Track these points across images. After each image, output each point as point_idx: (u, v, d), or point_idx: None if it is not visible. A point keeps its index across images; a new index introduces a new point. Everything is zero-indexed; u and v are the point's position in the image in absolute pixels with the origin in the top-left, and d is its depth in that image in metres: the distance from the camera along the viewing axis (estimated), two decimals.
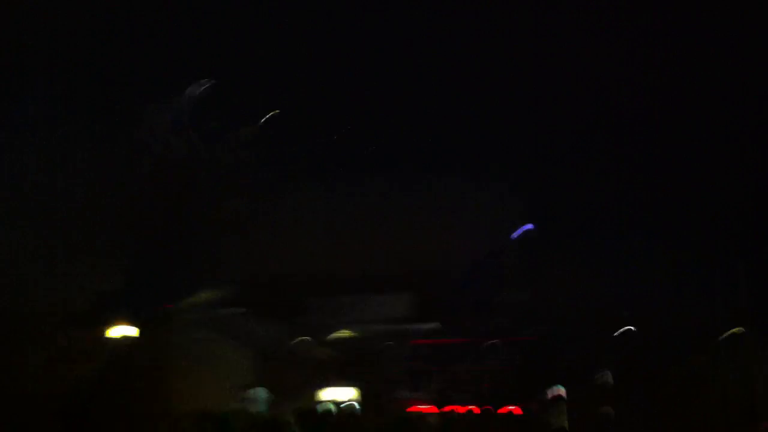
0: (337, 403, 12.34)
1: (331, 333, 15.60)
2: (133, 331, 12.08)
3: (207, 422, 8.03)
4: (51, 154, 9.60)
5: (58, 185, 9.88)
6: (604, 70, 10.46)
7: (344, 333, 15.64)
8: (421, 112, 10.80)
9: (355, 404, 12.10)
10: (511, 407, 11.09)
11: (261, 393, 10.09)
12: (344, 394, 14.79)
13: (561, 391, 12.63)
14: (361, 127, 11.34)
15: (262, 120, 10.29)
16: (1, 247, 9.58)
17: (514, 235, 12.56)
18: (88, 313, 11.22)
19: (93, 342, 11.28)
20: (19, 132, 9.17)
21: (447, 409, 10.49)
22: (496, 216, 12.23)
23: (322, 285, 12.76)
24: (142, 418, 10.02)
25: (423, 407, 12.40)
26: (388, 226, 12.14)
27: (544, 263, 12.53)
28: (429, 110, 10.81)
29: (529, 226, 12.71)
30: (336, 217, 12.19)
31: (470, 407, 11.74)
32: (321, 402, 13.69)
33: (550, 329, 14.29)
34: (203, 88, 10.06)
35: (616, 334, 13.37)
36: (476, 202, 12.06)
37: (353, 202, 12.08)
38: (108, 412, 9.61)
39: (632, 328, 13.36)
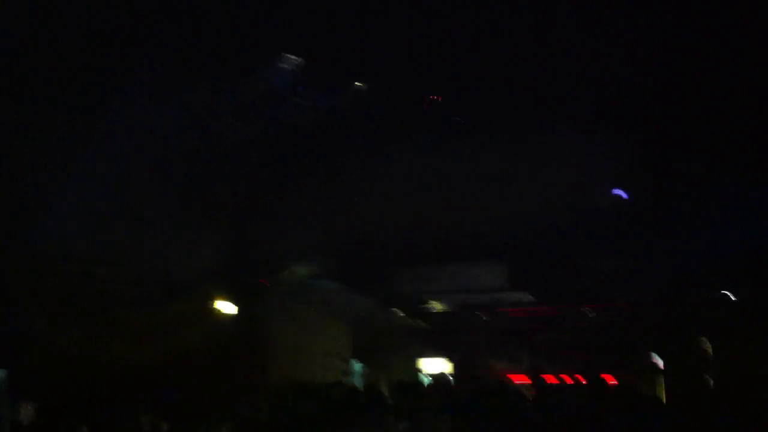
0: (429, 374, 12.53)
1: (423, 304, 15.72)
2: (231, 306, 12.45)
3: (305, 394, 8.25)
4: (157, 127, 9.81)
5: (159, 159, 10.12)
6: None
7: (436, 304, 15.74)
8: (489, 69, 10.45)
9: (447, 374, 12.27)
10: (604, 376, 10.97)
11: (355, 365, 10.32)
12: (436, 365, 14.93)
13: (656, 359, 12.42)
14: (446, 92, 11.17)
15: (358, 84, 10.28)
16: (114, 222, 9.89)
17: (607, 199, 12.28)
18: (188, 287, 11.59)
19: (193, 315, 11.65)
20: (129, 108, 9.41)
21: (539, 378, 10.45)
22: (589, 181, 11.95)
23: (414, 257, 12.80)
24: (241, 391, 10.38)
25: (515, 377, 12.40)
26: (478, 193, 12.01)
27: (639, 228, 12.21)
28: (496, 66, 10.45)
29: (620, 191, 12.43)
30: (425, 186, 12.15)
31: (562, 376, 11.67)
32: (414, 372, 13.91)
33: (644, 296, 14.00)
34: (300, 56, 10.06)
35: (712, 300, 12.99)
36: (569, 165, 11.78)
37: (443, 169, 12.01)
38: (207, 384, 9.97)
39: (729, 294, 12.94)
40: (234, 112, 10.64)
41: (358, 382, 10.65)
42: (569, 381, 11.56)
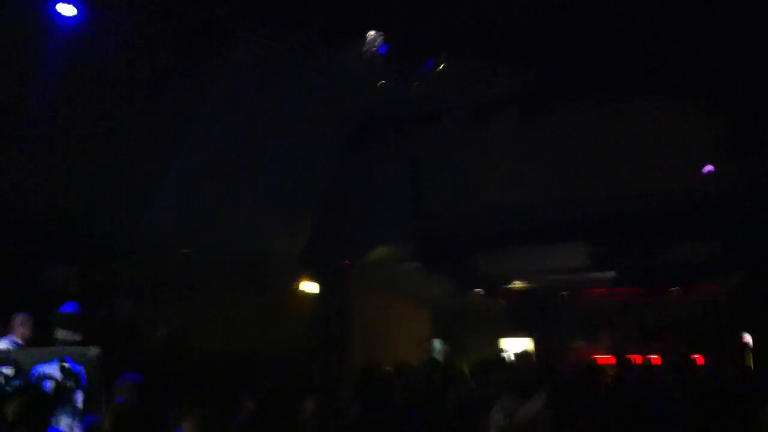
0: (511, 353, 12.50)
1: (505, 284, 15.70)
2: (316, 287, 12.70)
3: (390, 373, 8.34)
4: (253, 109, 9.97)
5: (250, 142, 10.29)
6: None
7: (518, 284, 15.69)
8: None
9: (530, 353, 12.22)
10: (693, 356, 10.74)
11: (437, 344, 10.38)
12: (519, 345, 14.90)
13: (746, 338, 12.10)
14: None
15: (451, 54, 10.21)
16: (208, 208, 10.17)
17: (697, 177, 11.95)
18: (276, 269, 11.86)
19: (280, 298, 11.93)
20: (225, 91, 9.58)
21: (625, 358, 10.32)
22: (678, 159, 11.64)
23: (496, 237, 12.75)
24: (323, 370, 10.57)
25: (600, 357, 12.26)
26: (563, 172, 11.85)
27: (729, 206, 11.84)
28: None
29: (711, 167, 12.06)
30: (508, 165, 12.06)
31: (649, 356, 11.48)
32: (496, 352, 13.91)
33: (734, 275, 13.64)
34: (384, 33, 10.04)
35: None
36: (658, 143, 11.49)
37: (526, 148, 11.90)
38: (294, 365, 10.18)
39: None
40: (327, 91, 10.72)
41: (439, 360, 10.70)
42: (657, 361, 11.36)
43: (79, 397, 6.54)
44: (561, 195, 11.97)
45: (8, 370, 6.58)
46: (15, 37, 7.44)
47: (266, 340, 10.32)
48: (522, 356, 11.30)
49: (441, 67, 10.35)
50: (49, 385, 6.34)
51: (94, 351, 6.90)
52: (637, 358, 11.10)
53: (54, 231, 8.64)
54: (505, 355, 12.55)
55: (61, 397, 6.38)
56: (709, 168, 12.03)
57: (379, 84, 10.10)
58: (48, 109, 7.75)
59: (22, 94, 7.75)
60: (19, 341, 7.28)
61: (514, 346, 14.75)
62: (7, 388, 6.25)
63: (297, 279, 12.56)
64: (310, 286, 12.68)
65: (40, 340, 7.31)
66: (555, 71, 10.89)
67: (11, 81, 7.61)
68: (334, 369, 11.20)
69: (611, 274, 14.50)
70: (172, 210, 9.78)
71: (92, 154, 8.41)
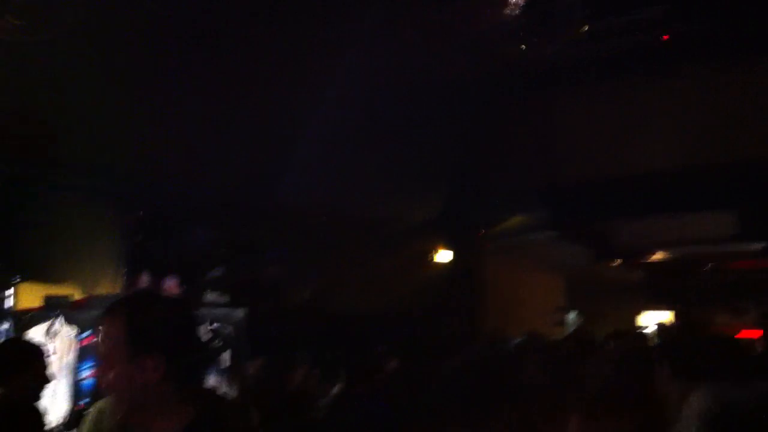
0: (649, 325, 12.21)
1: (645, 255, 15.27)
2: (448, 256, 12.79)
3: (524, 344, 8.33)
4: (383, 72, 10.07)
5: (382, 105, 10.40)
6: None
7: (659, 254, 15.23)
8: None
9: (669, 326, 11.83)
10: None
11: (572, 316, 10.28)
12: (658, 318, 14.51)
13: None
14: None
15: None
16: (340, 173, 10.41)
17: None
18: (407, 237, 12.03)
19: (412, 265, 12.09)
20: (355, 53, 9.70)
21: None
22: None
23: (635, 204, 12.36)
24: (456, 341, 10.67)
25: (747, 331, 11.76)
26: (707, 134, 11.32)
27: None
28: None
29: None
30: (649, 127, 11.64)
31: None
32: (633, 324, 13.62)
33: None
34: None
35: None
36: None
37: (669, 108, 11.45)
38: (424, 334, 10.31)
39: None
40: (464, 53, 10.65)
41: (574, 332, 10.64)
42: None
43: (227, 356, 6.96)
44: (706, 160, 11.46)
45: None
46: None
47: (398, 305, 10.50)
48: (656, 330, 11.00)
49: (583, 28, 10.06)
50: None
51: (240, 312, 7.30)
52: None
53: (202, 196, 9.05)
54: (642, 327, 12.29)
55: (209, 357, 6.80)
56: None
57: (519, 47, 9.91)
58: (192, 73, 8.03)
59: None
60: None
61: (653, 318, 14.39)
62: None
63: (430, 246, 12.67)
64: (442, 254, 12.77)
65: (192, 301, 7.77)
66: (714, 23, 10.35)
67: None
68: (465, 337, 11.28)
69: (760, 244, 13.81)
70: (310, 175, 10.04)
71: (236, 121, 8.71)
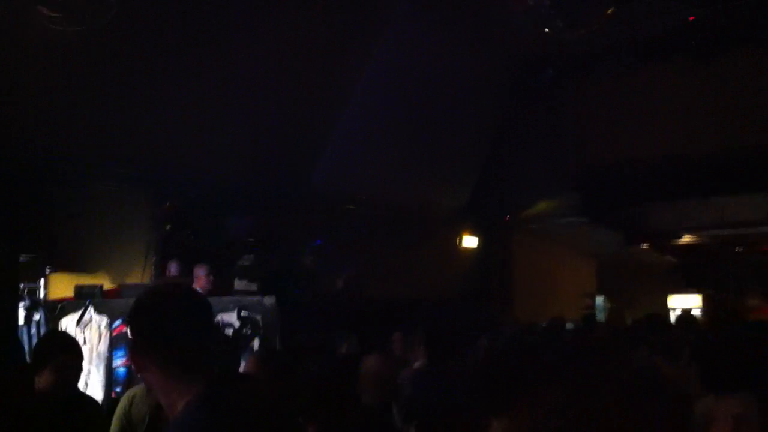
0: (680, 310, 12.11)
1: (675, 238, 15.12)
2: (476, 241, 12.77)
3: (550, 328, 8.32)
4: (416, 59, 10.02)
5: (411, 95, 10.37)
6: None
7: (689, 238, 15.08)
8: None
9: (697, 311, 11.76)
10: None
11: (600, 301, 10.23)
12: (687, 302, 14.39)
13: None
14: None
15: None
16: (369, 159, 10.42)
17: None
18: (436, 222, 12.03)
19: (440, 250, 12.08)
20: (391, 41, 9.65)
21: None
22: None
23: (665, 188, 12.22)
24: (482, 324, 10.65)
25: None
26: (739, 116, 11.14)
27: None
28: None
29: None
30: (679, 110, 11.49)
31: None
32: (663, 308, 13.51)
33: None
34: None
35: None
36: None
37: (699, 91, 11.28)
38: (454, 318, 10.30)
39: None
40: (491, 39, 10.58)
41: (603, 317, 10.57)
42: None
43: (257, 344, 7.00)
44: (738, 142, 11.29)
45: None
46: None
47: (429, 291, 10.50)
48: (684, 314, 10.90)
49: (609, 10, 9.93)
50: (229, 332, 6.82)
51: (270, 300, 7.34)
52: None
53: (232, 184, 9.10)
54: (673, 311, 12.20)
55: (239, 344, 6.86)
56: None
57: (545, 31, 9.81)
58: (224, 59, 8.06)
59: None
60: (202, 291, 7.84)
61: (683, 302, 14.27)
62: None
63: (459, 231, 12.66)
64: (471, 239, 12.76)
65: (220, 290, 7.84)
66: (730, 9, 10.21)
67: None
68: (494, 322, 11.27)
69: None
70: (341, 163, 10.06)
71: (269, 110, 8.73)
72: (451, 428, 3.74)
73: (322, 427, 3.42)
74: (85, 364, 6.39)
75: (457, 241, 12.60)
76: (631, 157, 11.97)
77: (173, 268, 8.30)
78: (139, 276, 8.48)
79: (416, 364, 5.36)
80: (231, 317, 6.93)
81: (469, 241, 12.67)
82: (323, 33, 8.73)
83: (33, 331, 6.73)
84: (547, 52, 11.38)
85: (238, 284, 8.16)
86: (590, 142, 12.54)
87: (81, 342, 6.51)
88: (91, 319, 6.68)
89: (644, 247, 14.90)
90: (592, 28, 9.92)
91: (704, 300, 14.70)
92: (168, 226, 8.84)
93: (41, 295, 7.30)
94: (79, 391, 4.55)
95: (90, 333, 6.62)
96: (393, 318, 7.76)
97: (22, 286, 7.03)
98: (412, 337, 5.41)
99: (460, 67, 10.70)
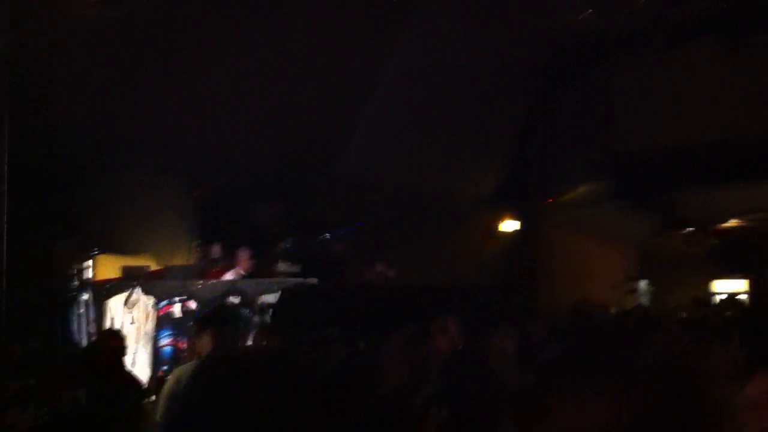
0: (722, 295, 11.97)
1: (717, 223, 14.92)
2: (515, 225, 12.73)
3: (587, 313, 8.29)
4: (446, 44, 9.99)
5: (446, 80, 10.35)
6: None
7: (732, 222, 14.87)
8: None
9: (742, 297, 11.60)
10: None
11: (642, 285, 10.14)
12: (732, 286, 14.21)
13: None
14: None
15: None
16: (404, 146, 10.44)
17: None
18: (474, 207, 12.01)
19: (478, 236, 12.06)
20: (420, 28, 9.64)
21: None
22: None
23: (706, 172, 12.06)
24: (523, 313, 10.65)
25: None
26: None
27: None
28: None
29: None
30: (716, 94, 11.32)
31: None
32: (705, 293, 13.36)
33: None
34: None
35: None
36: None
37: (737, 74, 11.10)
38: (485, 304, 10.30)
39: None
40: (523, 24, 10.53)
41: (645, 301, 10.51)
42: None
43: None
44: None
45: (236, 299, 7.29)
46: None
47: (463, 277, 10.52)
48: (729, 299, 10.78)
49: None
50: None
51: (311, 282, 7.46)
52: None
53: (274, 171, 9.19)
54: (715, 296, 12.07)
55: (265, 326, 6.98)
56: None
57: (579, 17, 9.75)
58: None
59: None
60: (244, 273, 7.98)
61: (727, 287, 14.09)
62: (236, 314, 6.93)
63: (494, 217, 12.63)
64: (507, 225, 12.72)
65: (263, 272, 7.97)
66: None
67: None
68: (529, 308, 11.26)
69: None
70: (371, 150, 10.09)
71: (304, 97, 8.79)
72: (483, 416, 3.76)
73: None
74: (132, 343, 6.59)
75: (495, 226, 12.58)
76: (671, 141, 11.84)
77: (216, 250, 8.44)
78: (184, 258, 8.63)
79: (451, 350, 5.39)
80: (274, 298, 7.06)
81: (507, 227, 12.64)
82: (354, 18, 8.75)
83: (81, 311, 6.91)
84: (582, 35, 11.29)
85: (282, 266, 8.29)
86: (629, 126, 12.42)
87: (129, 321, 6.70)
88: (138, 300, 6.84)
89: (686, 232, 14.72)
90: (624, 15, 9.85)
91: (750, 284, 14.49)
92: (211, 210, 8.98)
93: (89, 276, 7.47)
94: None
95: (137, 313, 6.79)
96: (429, 304, 7.80)
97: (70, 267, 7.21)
98: (449, 323, 5.45)
99: (496, 51, 10.65)
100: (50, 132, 6.75)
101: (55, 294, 6.83)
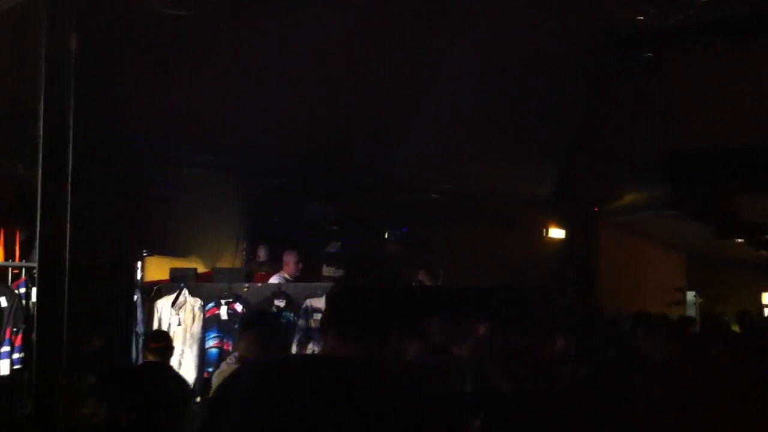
0: None
1: None
2: (562, 233, 12.61)
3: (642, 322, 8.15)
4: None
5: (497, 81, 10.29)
6: None
7: None
8: None
9: None
10: None
11: (690, 296, 9.97)
12: None
13: None
14: None
15: None
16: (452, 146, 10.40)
17: None
18: (519, 213, 11.91)
19: (524, 242, 11.97)
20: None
21: None
22: None
23: (759, 179, 11.78)
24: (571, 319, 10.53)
25: None
26: None
27: None
28: None
29: None
30: None
31: None
32: (758, 305, 13.08)
33: None
34: None
35: None
36: None
37: None
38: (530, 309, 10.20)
39: None
40: (580, 25, 10.41)
41: (693, 312, 10.32)
42: None
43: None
44: None
45: (280, 302, 7.31)
46: None
47: (513, 282, 10.43)
48: None
49: None
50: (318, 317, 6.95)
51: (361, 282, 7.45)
52: None
53: (319, 172, 9.20)
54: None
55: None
56: None
57: (637, 18, 9.59)
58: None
59: None
60: (289, 277, 8.00)
61: None
62: (280, 317, 6.95)
63: (545, 222, 12.53)
64: (557, 230, 12.61)
65: (308, 276, 7.98)
66: None
67: None
68: (579, 314, 11.13)
69: None
70: (427, 151, 10.06)
71: (354, 98, 8.78)
72: (539, 415, 3.70)
73: None
74: (179, 345, 6.65)
75: (544, 231, 12.47)
76: (726, 146, 11.59)
77: (262, 254, 8.49)
78: (230, 261, 8.70)
79: (493, 354, 5.33)
80: (320, 302, 7.05)
81: (556, 233, 12.52)
82: (409, 11, 8.70)
83: (138, 311, 7.01)
84: (637, 36, 11.08)
85: (327, 270, 8.30)
86: (681, 132, 12.20)
87: (176, 323, 6.77)
88: (185, 302, 6.90)
89: (738, 241, 14.43)
90: (686, 14, 9.63)
91: None
92: (258, 213, 9.04)
93: (138, 277, 7.57)
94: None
95: (184, 314, 6.86)
96: (476, 308, 7.73)
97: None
98: (493, 327, 5.39)
99: (554, 51, 10.51)
100: (113, 131, 6.83)
101: (115, 294, 6.92)
